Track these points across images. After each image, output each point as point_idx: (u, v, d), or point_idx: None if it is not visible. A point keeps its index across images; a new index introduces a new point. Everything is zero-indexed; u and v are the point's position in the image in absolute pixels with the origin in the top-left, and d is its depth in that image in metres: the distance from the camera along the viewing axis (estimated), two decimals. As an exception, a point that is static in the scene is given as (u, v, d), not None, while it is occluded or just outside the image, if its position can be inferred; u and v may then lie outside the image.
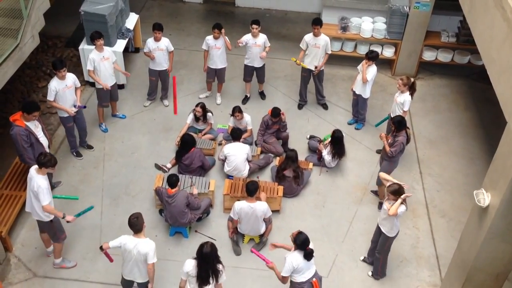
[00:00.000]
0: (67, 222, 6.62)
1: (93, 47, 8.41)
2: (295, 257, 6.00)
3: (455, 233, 7.63)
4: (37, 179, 6.29)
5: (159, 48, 9.02)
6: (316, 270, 6.24)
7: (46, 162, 6.28)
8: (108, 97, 8.85)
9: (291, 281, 6.21)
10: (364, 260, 7.35)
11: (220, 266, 5.79)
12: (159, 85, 9.60)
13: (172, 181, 7.13)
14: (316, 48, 9.04)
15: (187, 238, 7.54)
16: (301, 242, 5.96)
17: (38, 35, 7.85)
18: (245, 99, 9.86)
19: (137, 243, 5.92)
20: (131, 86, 10.04)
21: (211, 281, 5.74)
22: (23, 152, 7.03)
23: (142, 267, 6.03)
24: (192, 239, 7.55)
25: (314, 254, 6.02)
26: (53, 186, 7.82)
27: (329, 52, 9.16)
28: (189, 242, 7.49)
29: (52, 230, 6.76)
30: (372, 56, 8.55)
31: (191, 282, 5.85)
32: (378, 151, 8.93)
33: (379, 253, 6.99)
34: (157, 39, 8.96)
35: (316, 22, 8.91)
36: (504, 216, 5.39)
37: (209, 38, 9.16)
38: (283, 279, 6.13)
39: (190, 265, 5.79)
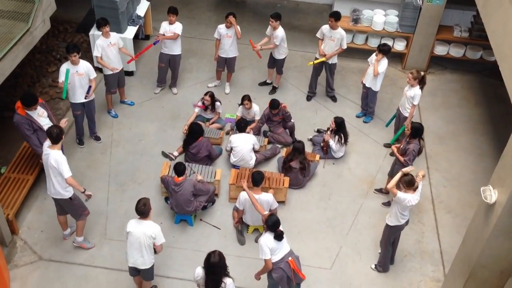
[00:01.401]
0: (86, 196, 6.65)
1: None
2: (267, 238, 6.03)
3: (460, 229, 7.59)
4: (53, 154, 6.32)
5: (171, 31, 9.00)
6: (291, 249, 6.21)
7: (59, 135, 6.33)
8: (116, 83, 8.88)
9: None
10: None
11: (226, 280, 5.55)
12: (169, 74, 9.60)
13: (180, 169, 7.14)
14: (331, 41, 9.00)
15: (192, 226, 7.57)
16: (272, 223, 5.99)
17: (49, 20, 7.86)
18: (273, 90, 9.87)
19: (143, 225, 5.96)
20: (140, 74, 10.05)
21: None
22: (28, 139, 7.09)
23: (146, 252, 6.05)
24: (197, 227, 7.58)
25: (284, 236, 6.05)
26: None
27: (344, 47, 9.09)
28: (193, 230, 7.53)
29: (73, 208, 6.81)
30: (384, 49, 8.48)
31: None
32: (385, 145, 8.89)
33: (380, 242, 7.04)
34: (171, 22, 8.96)
35: (331, 15, 8.88)
36: (511, 213, 5.36)
37: (221, 27, 9.15)
38: (266, 263, 6.06)
39: (199, 274, 5.64)
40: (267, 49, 9.29)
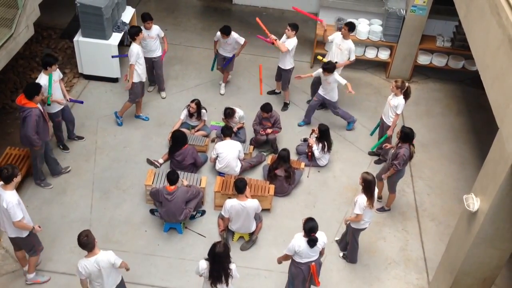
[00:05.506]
0: (36, 230, 6.32)
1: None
2: (300, 240, 6.08)
3: (444, 237, 7.67)
4: (5, 196, 5.95)
5: (150, 36, 9.05)
6: (318, 257, 6.29)
7: (11, 175, 5.94)
8: (141, 92, 8.91)
9: (292, 259, 6.30)
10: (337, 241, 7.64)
11: (232, 266, 5.75)
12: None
13: (174, 178, 7.09)
14: (338, 49, 9.07)
15: (181, 234, 7.51)
16: (309, 229, 5.99)
17: (33, 26, 7.80)
18: (284, 106, 9.77)
19: (96, 260, 5.62)
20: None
21: (223, 280, 5.71)
22: (33, 132, 7.08)
23: (113, 274, 5.85)
24: (182, 235, 7.53)
25: (317, 244, 6.07)
26: (60, 171, 8.04)
27: (352, 59, 9.14)
28: (178, 239, 7.48)
29: (30, 245, 6.43)
30: (327, 68, 8.55)
31: (205, 282, 5.83)
32: (370, 153, 8.97)
33: (347, 238, 7.31)
34: (147, 28, 9.01)
35: (346, 24, 8.94)
36: (493, 221, 5.43)
37: (220, 35, 9.23)
38: (285, 257, 6.30)
39: (203, 267, 5.73)
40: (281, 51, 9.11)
